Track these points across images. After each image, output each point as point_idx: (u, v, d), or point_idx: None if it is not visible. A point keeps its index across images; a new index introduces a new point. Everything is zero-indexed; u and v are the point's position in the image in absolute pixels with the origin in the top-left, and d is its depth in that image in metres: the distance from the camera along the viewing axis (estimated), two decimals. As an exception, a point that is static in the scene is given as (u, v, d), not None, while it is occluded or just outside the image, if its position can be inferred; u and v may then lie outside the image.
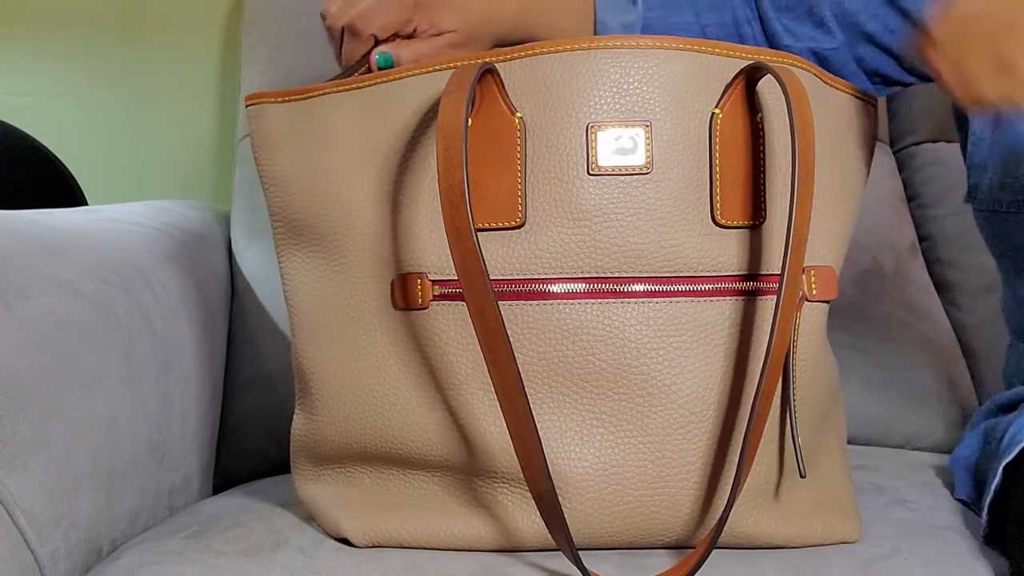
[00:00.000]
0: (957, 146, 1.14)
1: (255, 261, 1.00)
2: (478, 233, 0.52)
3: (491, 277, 0.52)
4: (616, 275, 0.56)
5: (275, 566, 0.57)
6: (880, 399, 0.99)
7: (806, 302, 0.59)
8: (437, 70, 0.58)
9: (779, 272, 0.56)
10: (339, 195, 0.60)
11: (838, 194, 0.62)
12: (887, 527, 0.64)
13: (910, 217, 1.11)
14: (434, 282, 0.57)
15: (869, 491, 0.71)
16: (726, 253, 0.57)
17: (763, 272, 0.58)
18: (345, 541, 0.60)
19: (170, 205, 0.98)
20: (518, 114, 0.57)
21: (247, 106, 0.63)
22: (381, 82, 0.60)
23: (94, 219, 0.84)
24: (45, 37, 1.23)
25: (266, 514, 0.67)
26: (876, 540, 0.61)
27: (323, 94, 0.61)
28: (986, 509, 0.62)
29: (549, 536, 0.55)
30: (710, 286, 0.57)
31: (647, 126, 0.57)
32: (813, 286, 0.59)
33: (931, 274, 1.08)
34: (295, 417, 0.64)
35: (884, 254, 1.05)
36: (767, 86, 0.58)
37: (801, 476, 0.57)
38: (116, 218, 0.86)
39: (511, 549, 0.58)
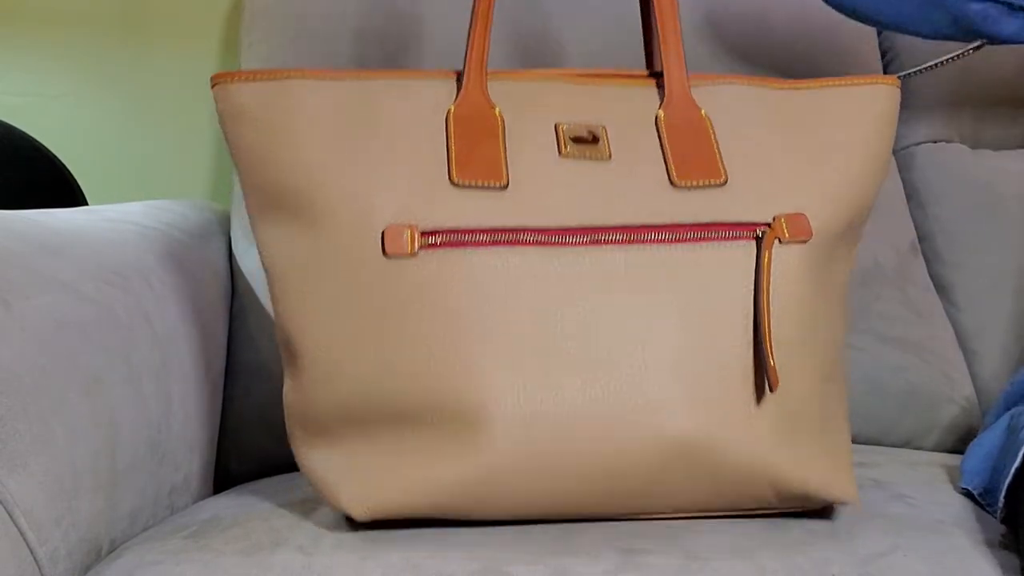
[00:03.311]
0: (958, 146, 1.15)
1: (255, 261, 1.00)
2: (470, 189, 0.62)
3: (479, 227, 0.61)
4: (590, 225, 0.62)
5: (274, 565, 0.57)
6: (880, 399, 0.99)
7: (778, 243, 0.63)
8: (422, 77, 0.66)
9: (743, 221, 0.63)
10: (315, 165, 0.63)
11: (806, 155, 0.67)
12: (886, 522, 0.64)
13: (910, 217, 1.11)
14: (422, 232, 0.61)
15: (868, 487, 0.71)
16: (690, 205, 0.64)
17: (726, 221, 0.63)
18: (348, 541, 0.60)
19: (170, 205, 0.98)
20: (497, 108, 0.65)
21: (212, 87, 0.65)
22: (361, 78, 0.65)
23: (94, 219, 0.84)
24: (45, 37, 1.23)
25: (266, 514, 0.67)
26: (875, 536, 0.61)
27: (290, 78, 0.64)
28: (1004, 491, 0.62)
29: (532, 469, 0.59)
30: (676, 234, 0.63)
31: (604, 128, 0.66)
32: (784, 230, 0.63)
33: (931, 274, 1.08)
34: (284, 388, 0.66)
35: (884, 254, 1.05)
36: (702, 97, 0.68)
37: (771, 391, 0.60)
38: (116, 218, 0.86)
39: (495, 484, 0.59)
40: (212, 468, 0.88)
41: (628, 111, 0.67)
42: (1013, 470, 0.62)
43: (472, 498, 0.60)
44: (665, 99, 0.67)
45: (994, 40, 0.92)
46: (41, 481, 0.59)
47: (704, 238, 0.63)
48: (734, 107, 0.68)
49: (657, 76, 0.69)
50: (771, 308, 0.62)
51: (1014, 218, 1.07)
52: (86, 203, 1.13)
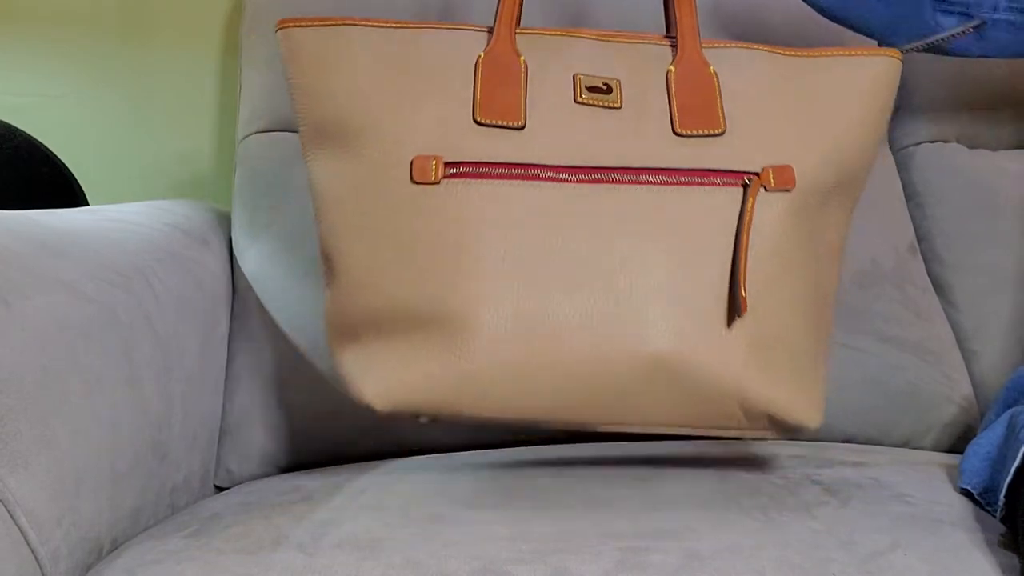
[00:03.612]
0: (956, 146, 1.15)
1: (255, 261, 1.00)
2: (491, 128, 0.69)
3: (496, 161, 0.69)
4: (596, 165, 0.69)
5: (275, 564, 0.57)
6: (879, 399, 0.99)
7: (763, 191, 0.70)
8: (459, 29, 0.74)
9: (735, 169, 0.69)
10: (359, 101, 0.71)
11: (803, 115, 0.73)
12: (886, 521, 0.64)
13: (909, 217, 1.11)
14: (446, 163, 0.68)
15: (868, 485, 0.71)
16: (688, 152, 0.70)
17: (719, 168, 0.70)
18: (348, 541, 0.60)
19: (170, 205, 0.99)
20: (522, 58, 0.73)
21: (276, 31, 0.74)
22: (406, 28, 0.73)
23: (95, 219, 0.84)
24: (45, 37, 1.23)
25: (266, 512, 0.67)
26: (875, 534, 0.62)
27: (344, 24, 0.72)
28: (1004, 490, 0.63)
29: (524, 371, 0.66)
30: (672, 177, 0.69)
31: (618, 80, 0.73)
32: (771, 179, 0.70)
33: (930, 274, 1.08)
34: (324, 300, 0.73)
35: (883, 254, 1.05)
36: (712, 57, 0.75)
37: (739, 315, 0.67)
38: (117, 218, 0.86)
39: (489, 383, 0.66)
40: (212, 468, 0.88)
41: (642, 66, 0.74)
42: (1013, 469, 0.62)
43: (468, 395, 0.67)
44: (677, 56, 0.74)
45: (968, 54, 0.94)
46: (42, 480, 0.59)
47: (697, 182, 0.70)
48: (741, 67, 0.74)
49: (673, 40, 0.75)
50: (751, 246, 0.68)
51: (1013, 218, 1.07)
52: (86, 203, 1.13)
